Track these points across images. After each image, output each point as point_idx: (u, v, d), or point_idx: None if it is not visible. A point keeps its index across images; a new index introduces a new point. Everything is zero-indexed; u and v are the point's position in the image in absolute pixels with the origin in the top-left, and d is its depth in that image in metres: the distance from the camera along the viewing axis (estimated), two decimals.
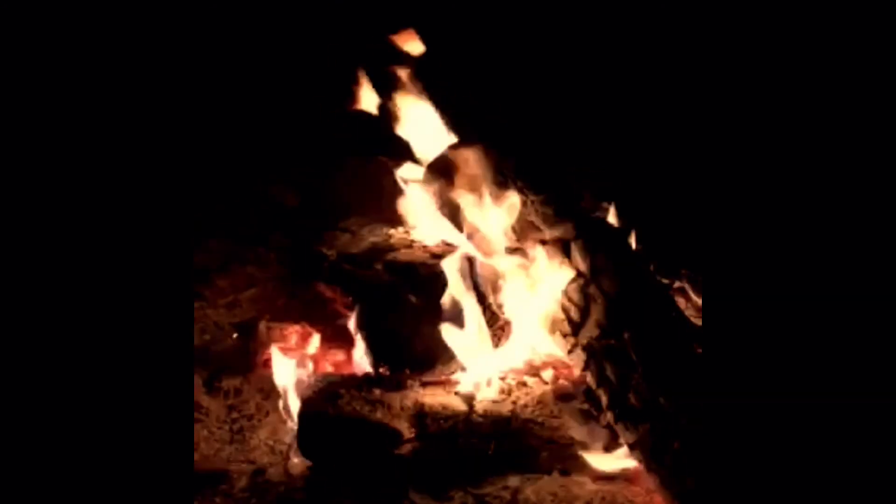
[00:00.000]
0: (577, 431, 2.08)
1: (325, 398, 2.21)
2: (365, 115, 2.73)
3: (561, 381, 2.22)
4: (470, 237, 2.27)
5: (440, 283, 2.31)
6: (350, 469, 2.11)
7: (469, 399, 2.18)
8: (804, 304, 1.40)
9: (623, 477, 2.05)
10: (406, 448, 2.11)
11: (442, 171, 2.30)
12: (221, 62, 3.15)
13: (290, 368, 2.37)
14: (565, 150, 2.45)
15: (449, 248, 2.42)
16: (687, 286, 2.47)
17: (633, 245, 2.30)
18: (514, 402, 2.17)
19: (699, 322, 2.20)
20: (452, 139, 2.43)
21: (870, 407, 1.36)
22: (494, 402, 2.17)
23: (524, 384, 2.23)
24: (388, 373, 2.31)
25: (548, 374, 2.25)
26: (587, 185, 2.41)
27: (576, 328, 2.05)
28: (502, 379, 2.26)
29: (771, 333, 1.41)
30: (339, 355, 2.58)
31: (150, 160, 1.46)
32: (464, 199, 2.26)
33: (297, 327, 2.66)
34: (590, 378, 2.03)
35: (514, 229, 2.17)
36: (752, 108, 1.49)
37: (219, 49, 3.11)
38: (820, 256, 1.41)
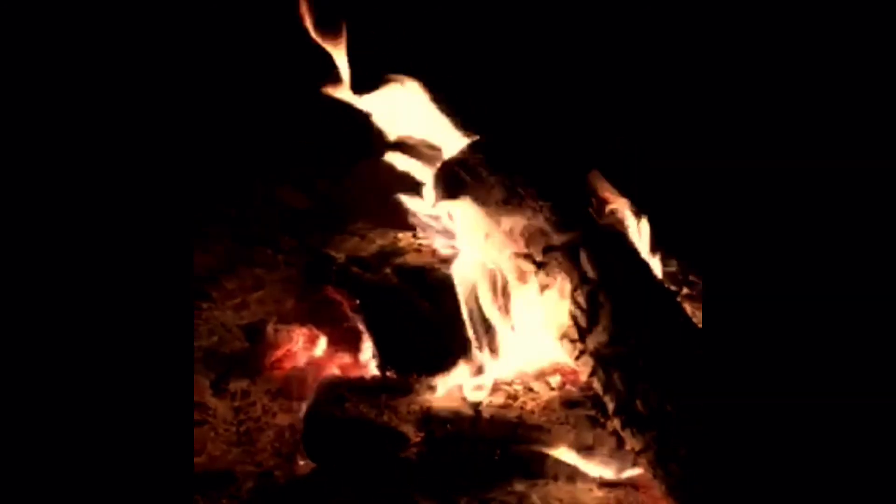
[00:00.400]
0: (584, 437, 2.07)
1: (331, 401, 2.22)
2: (373, 118, 2.75)
3: (568, 387, 2.22)
4: (477, 242, 2.27)
5: (448, 287, 2.32)
6: (356, 472, 2.11)
7: (476, 404, 2.18)
8: (807, 310, 1.40)
9: (629, 484, 2.05)
10: (412, 452, 2.11)
11: (450, 176, 2.30)
12: (233, 64, 3.17)
13: None
14: (574, 156, 2.44)
15: (457, 252, 2.42)
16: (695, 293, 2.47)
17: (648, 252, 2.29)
18: (520, 408, 2.17)
19: None
20: (460, 144, 2.43)
21: (876, 410, 1.36)
22: (501, 407, 2.17)
23: (531, 390, 2.23)
24: (395, 376, 2.31)
25: (555, 380, 2.25)
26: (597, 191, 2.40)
27: (583, 334, 2.05)
28: (509, 384, 2.26)
29: (776, 339, 1.41)
30: (347, 358, 2.58)
31: (152, 161, 1.46)
32: (472, 204, 2.26)
33: (304, 330, 2.67)
34: (597, 384, 2.03)
35: (522, 235, 2.17)
36: (755, 116, 1.49)
37: (231, 51, 3.13)
38: (822, 262, 1.41)
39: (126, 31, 1.47)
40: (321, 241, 2.75)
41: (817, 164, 1.44)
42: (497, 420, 2.14)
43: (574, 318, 2.07)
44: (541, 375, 2.28)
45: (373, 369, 2.40)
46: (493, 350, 2.30)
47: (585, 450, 2.07)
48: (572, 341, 2.07)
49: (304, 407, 2.29)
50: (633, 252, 2.22)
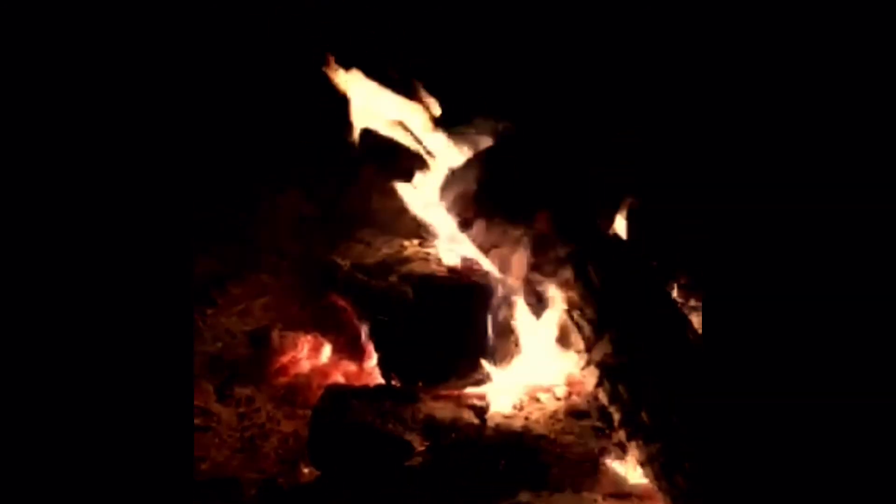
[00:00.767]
0: (589, 448, 2.07)
1: (336, 408, 2.21)
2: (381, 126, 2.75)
3: (573, 398, 2.22)
4: (485, 252, 2.28)
5: (454, 296, 2.32)
6: (360, 480, 2.10)
7: (481, 413, 2.18)
8: (811, 321, 1.40)
9: (634, 495, 2.04)
10: (417, 461, 2.11)
11: (459, 186, 2.31)
12: (241, 70, 3.17)
13: None
14: (580, 166, 2.45)
15: (464, 262, 2.43)
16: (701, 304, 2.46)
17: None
18: (526, 418, 2.17)
19: None
20: (467, 154, 2.44)
21: (880, 420, 1.36)
22: (506, 416, 2.18)
23: (537, 400, 2.23)
24: (400, 384, 2.31)
25: (560, 391, 2.25)
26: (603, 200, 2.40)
27: (589, 345, 2.05)
28: (514, 394, 2.26)
29: (782, 352, 1.41)
30: (351, 365, 2.59)
31: (155, 166, 1.46)
32: (479, 213, 2.27)
33: (309, 337, 2.67)
34: (602, 395, 2.03)
35: (529, 244, 2.18)
36: (754, 133, 1.50)
37: (238, 56, 3.13)
38: (825, 273, 1.41)
39: (131, 35, 1.47)
40: (327, 248, 2.75)
41: (818, 179, 1.44)
42: (502, 429, 2.14)
43: (580, 328, 2.07)
44: (546, 386, 2.28)
45: (378, 377, 2.40)
46: (499, 359, 2.30)
47: (590, 460, 2.06)
48: (578, 352, 2.08)
49: (308, 414, 2.28)
50: (639, 263, 2.22)
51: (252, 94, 3.31)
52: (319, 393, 2.33)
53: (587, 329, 2.07)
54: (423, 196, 2.63)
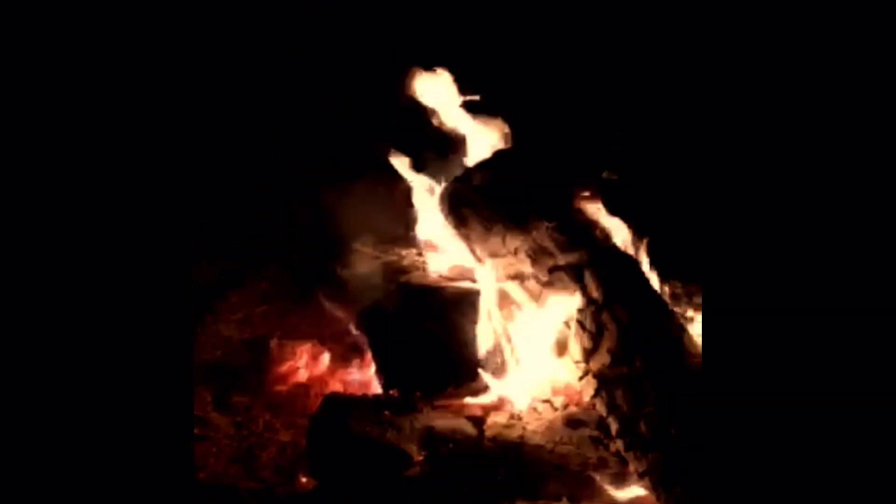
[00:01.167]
0: (587, 458, 2.07)
1: (334, 418, 2.21)
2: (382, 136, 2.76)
3: (571, 408, 2.21)
4: (483, 261, 2.28)
5: (453, 306, 2.32)
6: (358, 490, 2.10)
7: (479, 423, 2.18)
8: (811, 330, 1.40)
9: None
10: (415, 470, 2.10)
11: (457, 194, 2.31)
12: (243, 83, 3.19)
13: None
14: (579, 177, 2.45)
15: (462, 271, 2.43)
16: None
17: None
18: (523, 428, 2.16)
19: None
20: (467, 164, 2.45)
21: (878, 429, 1.36)
22: (504, 427, 2.17)
23: (534, 410, 2.23)
24: (398, 394, 2.31)
25: (558, 401, 2.25)
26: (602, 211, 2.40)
27: (587, 355, 2.06)
28: (513, 404, 2.26)
29: (781, 362, 1.41)
30: (350, 375, 2.59)
31: (157, 174, 1.46)
32: (478, 222, 2.27)
33: (307, 345, 2.67)
34: (600, 405, 2.03)
35: (528, 254, 2.18)
36: (750, 138, 1.50)
37: (241, 71, 3.15)
38: (824, 281, 1.42)
39: (132, 36, 1.47)
40: (326, 258, 2.76)
41: (815, 182, 1.45)
42: (500, 439, 2.13)
43: (578, 338, 2.07)
44: (544, 395, 2.28)
45: (376, 386, 2.40)
46: (497, 369, 2.30)
47: (588, 471, 2.06)
48: (576, 362, 2.08)
49: (306, 423, 2.28)
50: (637, 273, 2.22)
51: (253, 104, 3.33)
52: (318, 402, 2.33)
53: (585, 339, 2.07)
54: (422, 205, 2.65)
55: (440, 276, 2.47)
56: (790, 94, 1.49)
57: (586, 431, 2.13)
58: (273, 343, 2.67)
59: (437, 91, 2.71)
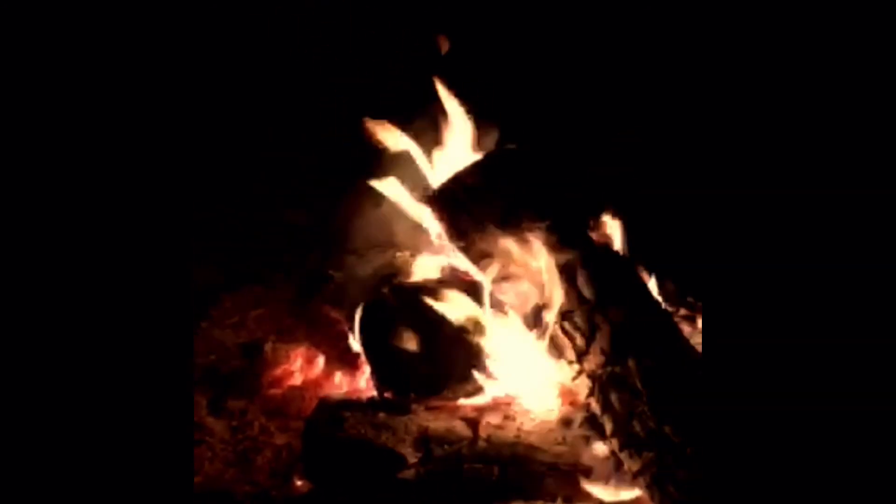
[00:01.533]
0: (581, 458, 2.07)
1: (329, 421, 2.21)
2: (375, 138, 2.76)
3: (565, 408, 2.22)
4: (476, 262, 2.28)
5: (446, 307, 2.32)
6: (354, 492, 2.10)
7: (474, 424, 2.18)
8: (808, 330, 1.40)
9: None
10: (410, 472, 2.10)
11: (449, 196, 2.31)
12: (237, 85, 3.18)
13: None
14: (571, 176, 2.45)
15: (455, 272, 2.43)
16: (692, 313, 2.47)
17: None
18: (518, 428, 2.16)
19: None
20: (459, 164, 2.44)
21: (877, 428, 1.36)
22: (499, 427, 2.17)
23: (529, 410, 2.23)
24: (392, 396, 2.30)
25: (552, 401, 2.25)
26: (594, 211, 2.41)
27: (581, 355, 2.05)
28: (507, 404, 2.26)
29: (775, 360, 1.41)
30: (345, 377, 2.59)
31: (154, 179, 1.46)
32: (470, 223, 2.27)
33: (302, 349, 2.67)
34: (594, 405, 2.03)
35: (520, 255, 2.18)
36: (747, 136, 1.50)
37: (236, 72, 3.15)
38: (822, 279, 1.42)
39: (132, 38, 1.47)
40: (320, 260, 2.76)
41: (812, 180, 1.45)
42: (495, 440, 2.14)
43: (571, 338, 2.07)
44: (538, 396, 2.28)
45: (371, 389, 2.40)
46: (491, 370, 2.30)
47: (583, 471, 2.07)
48: (570, 362, 2.08)
49: (301, 426, 2.28)
50: (630, 272, 2.22)
51: (247, 107, 3.32)
52: (313, 405, 2.33)
53: (579, 339, 2.07)
54: (414, 206, 2.64)
55: (433, 278, 2.46)
56: (788, 93, 1.49)
57: (581, 431, 2.13)
58: (268, 346, 2.67)
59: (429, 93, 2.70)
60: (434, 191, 2.39)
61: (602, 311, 2.05)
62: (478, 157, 2.47)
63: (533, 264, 2.16)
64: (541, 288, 2.16)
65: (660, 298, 2.20)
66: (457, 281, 2.39)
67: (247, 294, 2.97)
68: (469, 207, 2.24)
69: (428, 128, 2.61)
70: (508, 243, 2.18)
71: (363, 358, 2.45)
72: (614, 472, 2.03)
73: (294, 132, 3.37)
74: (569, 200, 2.27)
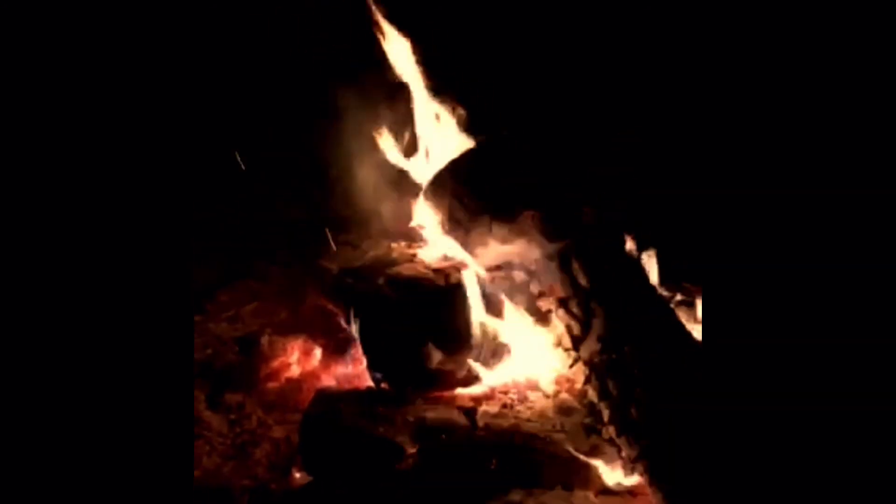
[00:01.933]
0: (579, 445, 2.07)
1: (327, 413, 2.21)
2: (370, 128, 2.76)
3: (562, 396, 2.22)
4: (472, 253, 2.28)
5: (441, 298, 2.32)
6: (352, 483, 2.10)
7: (471, 414, 2.18)
8: (804, 316, 1.40)
9: (626, 491, 2.04)
10: (408, 463, 2.10)
11: (443, 187, 2.31)
12: (231, 80, 3.17)
13: None
14: (566, 166, 2.45)
15: (451, 263, 2.42)
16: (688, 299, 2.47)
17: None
18: (516, 417, 2.16)
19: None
20: (454, 155, 2.44)
21: (874, 417, 1.36)
22: (496, 416, 2.17)
23: (526, 398, 2.23)
24: (389, 387, 2.30)
25: (550, 388, 2.25)
26: (588, 200, 2.40)
27: (577, 343, 2.06)
28: (504, 393, 2.26)
29: (773, 347, 1.41)
30: (342, 369, 2.58)
31: (150, 174, 1.46)
32: (465, 214, 2.27)
33: (299, 341, 2.67)
34: (591, 392, 2.04)
35: (515, 244, 2.18)
36: (752, 124, 1.49)
37: (228, 67, 3.13)
38: (819, 269, 1.41)
39: (132, 38, 1.46)
40: (315, 253, 2.75)
41: (810, 172, 1.44)
42: (492, 429, 2.13)
43: (567, 326, 2.08)
44: (535, 384, 2.28)
45: (368, 380, 2.39)
46: (488, 359, 2.30)
47: (581, 457, 2.07)
48: (566, 350, 2.08)
49: (299, 419, 2.28)
50: (626, 260, 2.22)
51: (240, 101, 3.31)
52: (310, 397, 2.33)
53: (575, 327, 2.07)
54: (410, 195, 2.64)
55: (429, 269, 2.46)
56: (790, 92, 1.48)
57: (578, 418, 2.13)
58: (264, 340, 2.66)
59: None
60: (430, 182, 2.39)
61: (598, 299, 2.06)
62: (470, 145, 2.48)
63: (528, 253, 2.16)
64: (536, 277, 2.16)
65: (656, 285, 2.19)
66: (452, 271, 2.38)
67: (242, 288, 2.95)
68: (462, 197, 2.24)
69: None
70: (503, 232, 2.18)
71: (360, 349, 2.44)
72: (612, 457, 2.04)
73: (287, 127, 3.36)
74: (564, 189, 2.27)
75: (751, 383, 1.42)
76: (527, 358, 2.30)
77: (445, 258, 2.44)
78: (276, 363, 2.63)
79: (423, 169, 2.57)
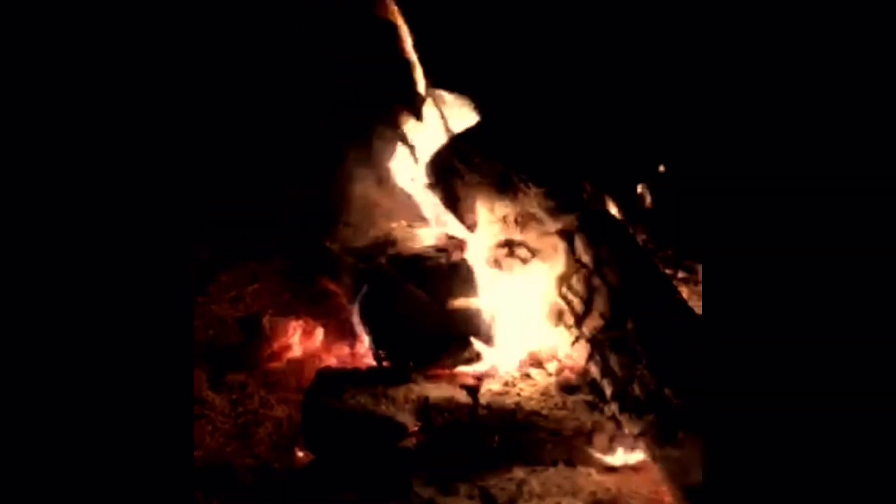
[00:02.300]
0: (582, 423, 2.07)
1: (329, 392, 2.21)
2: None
3: (565, 373, 2.22)
4: (472, 230, 2.27)
5: (443, 276, 2.31)
6: (355, 462, 2.10)
7: (473, 392, 2.18)
8: (804, 294, 1.40)
9: (629, 468, 2.04)
10: (411, 441, 2.11)
11: (444, 164, 2.29)
12: (231, 61, 3.15)
13: None
14: (568, 143, 2.44)
15: (451, 241, 2.42)
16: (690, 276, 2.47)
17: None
18: (518, 395, 2.16)
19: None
20: (454, 132, 2.43)
21: (874, 401, 1.35)
22: (499, 394, 2.17)
23: (528, 376, 2.23)
24: (391, 366, 2.30)
25: (552, 366, 2.25)
26: (590, 176, 2.39)
27: (579, 319, 2.05)
28: (506, 371, 2.25)
29: (774, 323, 1.40)
30: (343, 349, 2.58)
31: (150, 157, 1.46)
32: (465, 191, 2.26)
33: (300, 321, 2.67)
34: (594, 369, 2.03)
35: (517, 221, 2.17)
36: (752, 103, 1.48)
37: (227, 49, 3.11)
38: (821, 245, 1.41)
39: (132, 30, 1.46)
40: (316, 233, 2.74)
41: (811, 153, 1.44)
42: (495, 407, 2.13)
43: (570, 303, 2.07)
44: (537, 361, 2.28)
45: (370, 359, 2.39)
46: (490, 337, 2.29)
47: (584, 435, 2.07)
48: (568, 327, 2.08)
49: (301, 398, 2.28)
50: (627, 237, 2.22)
51: (240, 83, 3.29)
52: (312, 377, 2.32)
53: (577, 304, 2.07)
54: (410, 175, 2.63)
55: (430, 247, 2.45)
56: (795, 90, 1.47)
57: (581, 396, 2.13)
58: (265, 320, 2.66)
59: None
60: (429, 160, 2.38)
61: (600, 275, 2.05)
62: (472, 122, 2.47)
63: (530, 230, 2.15)
64: (537, 254, 2.15)
65: (658, 261, 2.19)
66: (453, 249, 2.38)
67: (243, 269, 2.95)
68: (463, 174, 2.23)
69: None
70: (505, 209, 2.17)
71: (362, 329, 2.44)
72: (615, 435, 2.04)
73: (285, 107, 3.35)
74: (566, 165, 2.26)
75: (753, 359, 1.42)
76: (528, 335, 2.29)
77: (447, 237, 2.44)
78: (277, 344, 2.63)
79: (424, 147, 2.55)
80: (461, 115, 2.62)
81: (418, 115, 2.66)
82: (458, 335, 2.28)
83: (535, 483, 2.00)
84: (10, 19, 1.40)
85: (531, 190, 2.18)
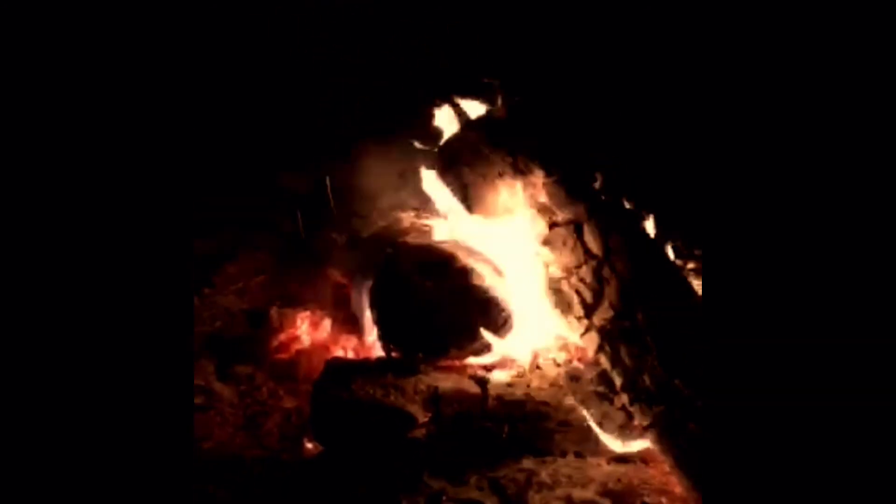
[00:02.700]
0: (591, 413, 2.07)
1: (338, 383, 2.20)
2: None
3: (574, 364, 2.21)
4: (483, 220, 2.26)
5: (451, 266, 2.30)
6: (364, 454, 2.10)
7: (483, 382, 2.18)
8: (813, 286, 1.39)
9: (638, 458, 2.04)
10: (420, 432, 2.10)
11: (453, 153, 2.28)
12: (234, 53, 3.16)
13: None
14: (578, 132, 2.43)
15: (461, 232, 2.41)
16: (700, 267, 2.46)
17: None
18: (527, 385, 2.16)
19: None
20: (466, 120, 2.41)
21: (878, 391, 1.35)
22: (508, 385, 2.17)
23: (538, 367, 2.22)
24: (400, 357, 2.30)
25: (561, 357, 2.25)
26: (600, 166, 2.38)
27: (589, 310, 2.04)
28: (516, 362, 2.25)
29: (781, 315, 1.39)
30: (352, 340, 2.58)
31: (152, 149, 1.45)
32: (475, 180, 2.24)
33: (308, 312, 2.67)
34: (604, 360, 2.02)
35: (528, 211, 2.16)
36: (757, 96, 1.47)
37: (233, 42, 3.12)
38: (823, 239, 1.40)
39: (131, 27, 1.46)
40: (323, 224, 2.74)
41: (813, 144, 1.43)
42: (504, 398, 2.13)
43: (579, 294, 2.06)
44: (547, 352, 2.28)
45: (378, 350, 2.39)
46: (499, 328, 2.29)
47: (593, 425, 2.06)
48: (578, 318, 2.07)
49: (310, 389, 2.28)
50: (637, 227, 2.20)
51: (244, 75, 3.29)
52: (320, 368, 2.32)
53: (587, 294, 2.06)
54: (419, 166, 2.62)
55: (438, 237, 2.45)
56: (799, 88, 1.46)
57: (591, 387, 2.12)
58: (273, 311, 2.66)
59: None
60: (439, 149, 2.37)
61: (610, 266, 2.04)
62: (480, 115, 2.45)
63: (540, 220, 2.14)
64: (547, 244, 2.14)
65: (668, 252, 2.18)
66: (463, 239, 2.37)
67: (249, 261, 2.95)
68: (472, 162, 2.22)
69: None
70: (514, 199, 2.16)
71: (370, 319, 2.44)
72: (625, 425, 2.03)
73: (291, 98, 3.35)
74: (575, 154, 2.25)
75: (761, 350, 1.41)
76: (538, 326, 2.29)
77: (456, 226, 2.43)
78: (285, 335, 2.63)
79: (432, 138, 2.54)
80: (472, 106, 2.60)
81: (429, 108, 2.65)
82: (467, 326, 2.28)
83: (544, 474, 2.00)
84: (9, 19, 1.39)
85: (541, 178, 2.17)
